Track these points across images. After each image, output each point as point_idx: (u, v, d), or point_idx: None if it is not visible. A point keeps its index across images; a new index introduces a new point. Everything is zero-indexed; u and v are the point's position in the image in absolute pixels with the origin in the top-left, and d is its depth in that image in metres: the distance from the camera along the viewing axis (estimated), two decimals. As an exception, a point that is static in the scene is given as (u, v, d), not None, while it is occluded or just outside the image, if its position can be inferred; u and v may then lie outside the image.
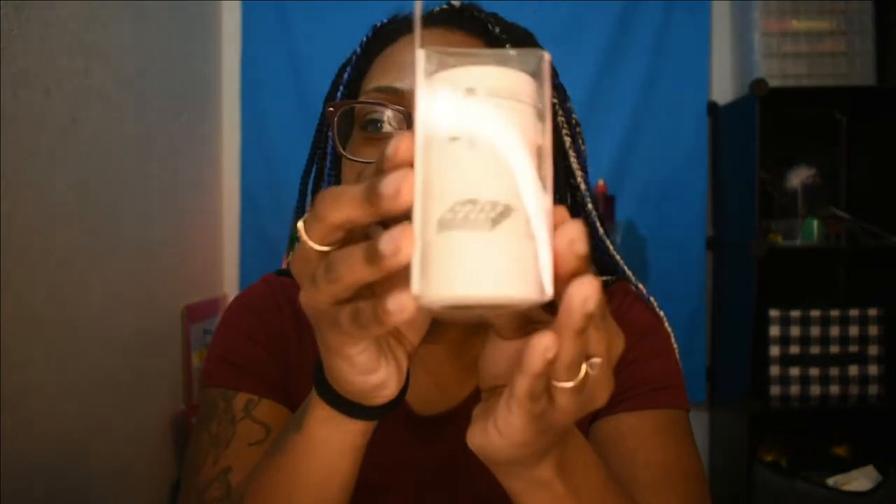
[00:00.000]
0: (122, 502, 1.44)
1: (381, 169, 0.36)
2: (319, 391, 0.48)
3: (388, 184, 0.34)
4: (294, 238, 0.80)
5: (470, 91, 0.34)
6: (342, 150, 0.64)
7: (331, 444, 0.50)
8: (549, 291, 0.33)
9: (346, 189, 0.37)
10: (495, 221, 0.32)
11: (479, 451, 0.42)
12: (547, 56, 0.36)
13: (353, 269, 0.35)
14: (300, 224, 0.39)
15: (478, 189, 0.33)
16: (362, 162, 0.62)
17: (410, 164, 0.35)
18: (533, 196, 0.34)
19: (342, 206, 0.36)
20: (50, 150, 1.21)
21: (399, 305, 0.34)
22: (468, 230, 0.32)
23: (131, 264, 1.51)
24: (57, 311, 1.23)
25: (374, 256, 0.34)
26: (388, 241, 0.33)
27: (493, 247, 0.32)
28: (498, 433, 0.40)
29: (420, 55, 0.35)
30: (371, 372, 0.44)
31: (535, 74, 0.36)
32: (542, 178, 0.34)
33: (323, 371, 0.47)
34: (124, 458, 1.46)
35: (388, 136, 0.61)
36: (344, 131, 0.66)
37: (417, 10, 0.39)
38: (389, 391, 0.46)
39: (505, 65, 0.35)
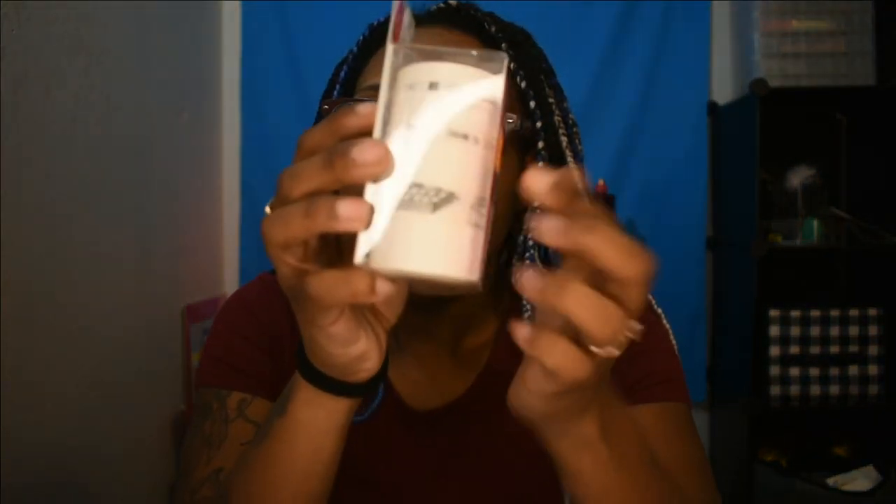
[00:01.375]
0: (122, 502, 1.44)
1: (340, 125, 0.39)
2: (302, 371, 0.49)
3: (365, 149, 0.36)
4: None
5: (433, 85, 0.37)
6: None
7: (316, 425, 0.50)
8: (476, 276, 0.37)
9: (308, 162, 0.39)
10: (437, 206, 0.36)
11: (516, 412, 0.43)
12: (506, 58, 0.39)
13: (297, 227, 0.38)
14: (267, 208, 0.41)
15: (426, 175, 0.36)
16: None
17: (368, 133, 0.38)
18: (476, 187, 0.37)
19: (302, 180, 0.38)
20: (50, 150, 1.21)
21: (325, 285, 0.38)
22: (411, 210, 0.36)
23: (131, 264, 1.51)
24: (57, 311, 1.23)
25: (332, 215, 0.36)
26: (346, 205, 0.36)
27: (431, 228, 0.35)
28: (526, 387, 0.41)
29: (389, 49, 0.39)
30: (351, 343, 0.45)
31: (498, 73, 0.39)
32: (491, 169, 0.38)
33: (305, 352, 0.48)
34: (124, 458, 1.46)
35: None
36: None
37: (394, 7, 0.40)
38: (371, 364, 0.47)
39: (468, 64, 0.38)
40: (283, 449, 0.52)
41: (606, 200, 1.91)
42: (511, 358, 0.73)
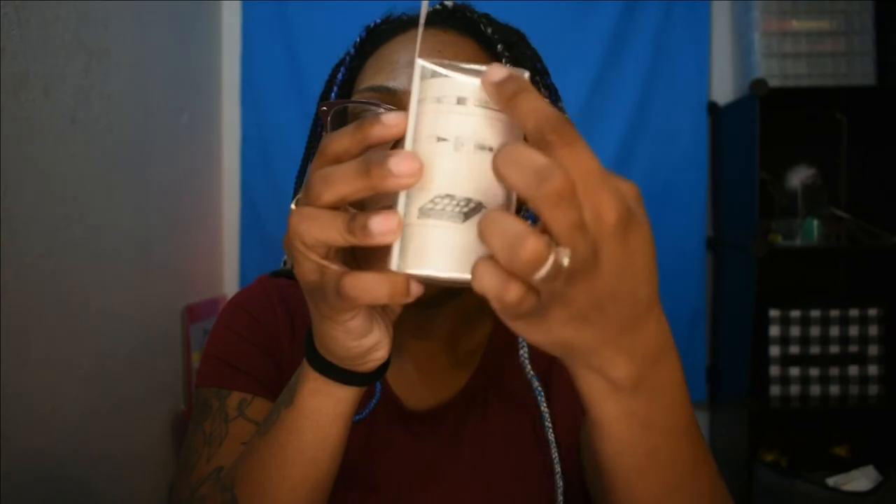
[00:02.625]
0: (121, 502, 1.44)
1: (367, 135, 0.40)
2: (312, 361, 0.51)
3: (402, 161, 0.37)
4: None
5: (461, 100, 0.39)
6: None
7: (323, 413, 0.52)
8: None
9: (342, 168, 0.40)
10: (467, 215, 0.38)
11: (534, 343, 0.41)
12: (527, 74, 0.40)
13: (334, 232, 0.40)
14: (293, 205, 0.42)
15: (456, 186, 0.38)
16: None
17: (400, 143, 0.40)
18: (501, 195, 0.39)
19: (335, 184, 0.40)
20: (50, 150, 1.21)
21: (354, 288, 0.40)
22: (444, 220, 0.38)
23: (131, 264, 1.51)
24: (57, 311, 1.23)
25: (364, 230, 0.38)
26: (380, 222, 0.38)
27: (461, 236, 0.38)
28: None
29: (419, 63, 0.40)
30: (365, 335, 0.47)
31: None
32: None
33: (314, 344, 0.50)
34: (124, 458, 1.46)
35: None
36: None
37: (423, 13, 0.40)
38: (381, 353, 0.49)
39: None
40: (290, 437, 0.53)
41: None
42: (504, 358, 0.74)
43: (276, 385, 0.72)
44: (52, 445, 1.21)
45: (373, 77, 0.66)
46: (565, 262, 0.34)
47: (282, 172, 2.05)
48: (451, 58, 0.64)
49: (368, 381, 0.51)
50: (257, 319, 0.76)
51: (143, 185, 1.57)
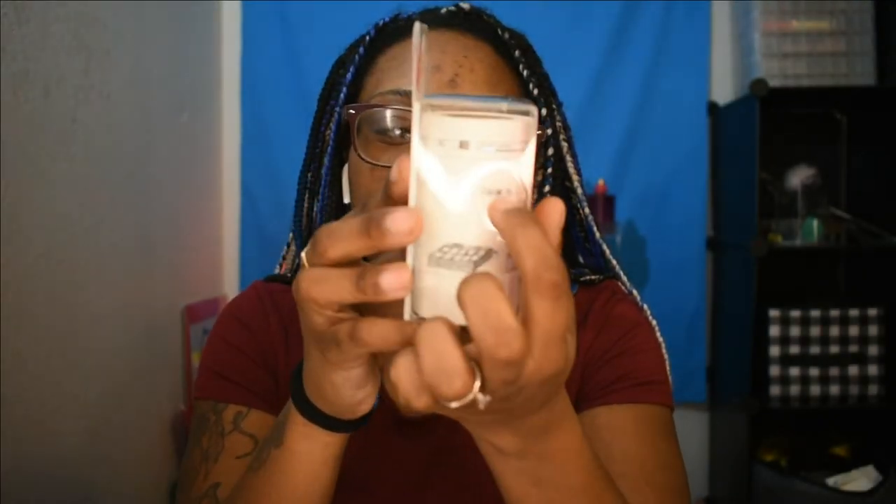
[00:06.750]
0: (121, 502, 1.44)
1: (376, 200, 0.40)
2: (300, 409, 0.51)
3: (398, 220, 0.36)
4: (291, 241, 0.81)
5: (463, 144, 0.37)
6: (362, 154, 0.64)
7: (312, 456, 0.52)
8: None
9: (346, 225, 0.39)
10: (477, 263, 0.37)
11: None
12: (534, 110, 0.38)
13: (345, 293, 0.39)
14: (303, 255, 0.42)
15: (464, 235, 0.37)
16: (383, 166, 0.62)
17: (404, 199, 0.38)
18: None
19: (340, 241, 0.39)
20: (50, 150, 1.21)
21: (376, 335, 0.39)
22: (453, 270, 0.37)
23: (131, 264, 1.51)
24: (57, 311, 1.23)
25: (375, 288, 0.37)
26: (390, 279, 0.37)
27: None
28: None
29: (416, 106, 0.38)
30: (362, 386, 0.47)
31: (528, 121, 0.38)
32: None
33: (302, 389, 0.49)
34: (124, 458, 1.46)
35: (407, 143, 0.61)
36: (346, 131, 0.67)
37: (416, 37, 0.39)
38: (368, 406, 0.49)
39: (498, 116, 0.37)
40: (282, 478, 0.53)
41: (606, 200, 1.91)
42: None
43: (271, 395, 0.72)
44: (51, 445, 1.21)
45: (395, 79, 0.64)
46: (481, 406, 0.36)
47: (282, 172, 2.05)
48: (473, 63, 0.63)
49: (353, 428, 0.51)
50: (250, 329, 0.75)
51: (143, 185, 1.57)
